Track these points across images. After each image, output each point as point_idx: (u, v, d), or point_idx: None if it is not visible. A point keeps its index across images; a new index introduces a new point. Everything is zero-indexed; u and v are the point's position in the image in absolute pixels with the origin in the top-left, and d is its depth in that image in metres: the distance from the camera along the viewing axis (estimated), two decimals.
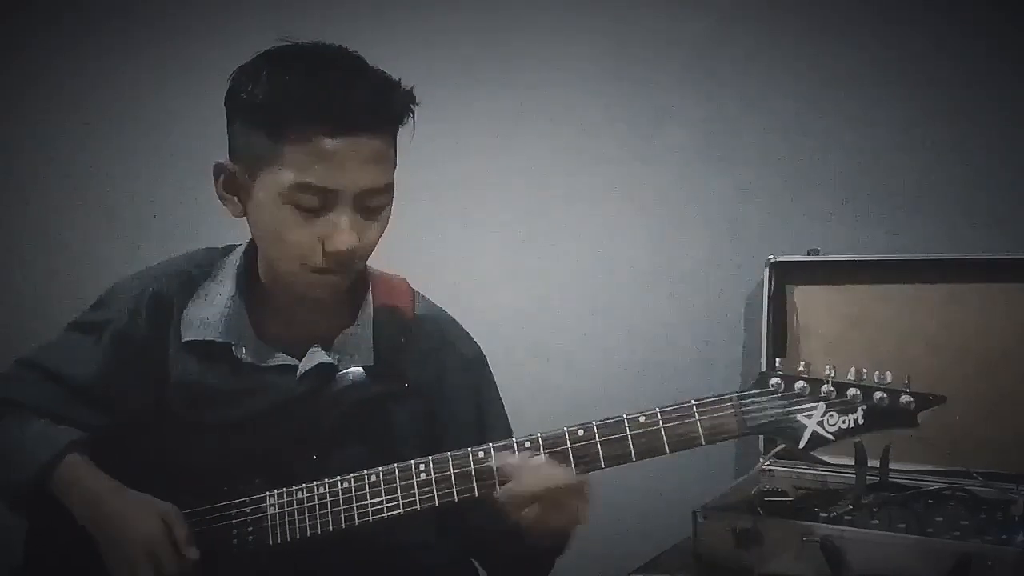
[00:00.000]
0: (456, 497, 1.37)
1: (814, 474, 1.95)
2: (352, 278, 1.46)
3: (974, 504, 1.79)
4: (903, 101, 2.13)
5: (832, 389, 1.33)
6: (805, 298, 2.12)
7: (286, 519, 1.42)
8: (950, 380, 1.84)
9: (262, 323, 1.51)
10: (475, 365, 1.59)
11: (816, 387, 1.33)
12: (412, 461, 1.39)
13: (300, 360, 1.48)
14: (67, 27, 2.65)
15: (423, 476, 1.38)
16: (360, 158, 1.36)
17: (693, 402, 1.34)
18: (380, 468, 1.39)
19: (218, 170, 1.44)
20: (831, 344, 2.07)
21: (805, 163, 2.20)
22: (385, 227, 1.43)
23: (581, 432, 1.36)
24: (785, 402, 1.34)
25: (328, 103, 1.34)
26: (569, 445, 1.35)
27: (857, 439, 1.41)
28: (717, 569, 1.67)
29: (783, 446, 1.82)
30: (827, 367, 1.34)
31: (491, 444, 1.37)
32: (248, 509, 1.44)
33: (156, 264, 1.59)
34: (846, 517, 1.72)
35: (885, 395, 1.32)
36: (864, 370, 1.34)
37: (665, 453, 1.34)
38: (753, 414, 1.34)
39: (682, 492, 1.89)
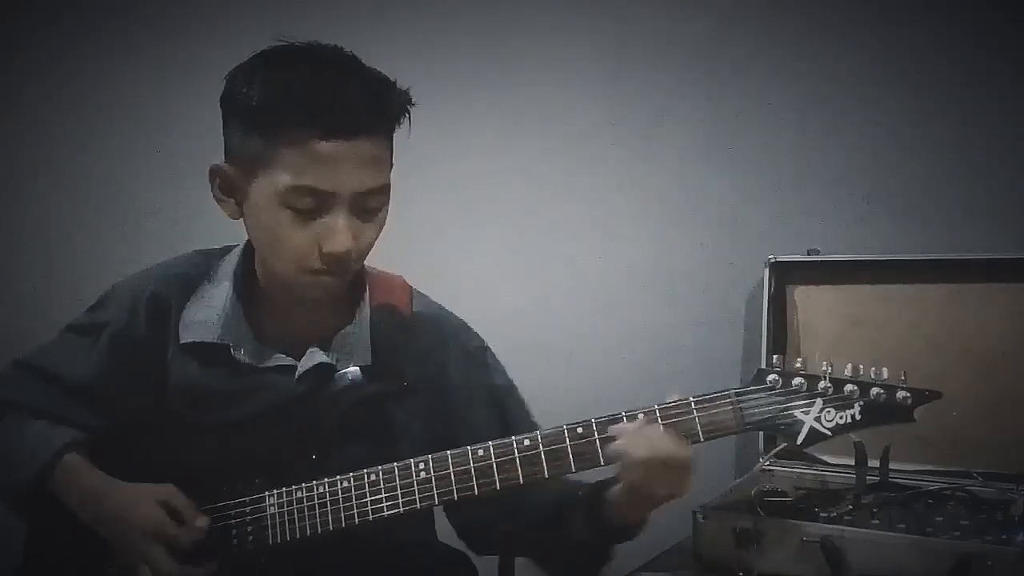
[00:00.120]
0: (456, 495, 1.37)
1: (814, 474, 1.95)
2: (349, 279, 1.46)
3: (974, 504, 1.79)
4: (903, 101, 2.13)
5: (829, 385, 1.33)
6: (805, 298, 2.12)
7: (286, 519, 1.42)
8: (950, 380, 1.84)
9: (260, 324, 1.50)
10: (478, 355, 1.58)
11: (813, 383, 1.34)
12: (411, 460, 1.39)
13: (299, 360, 1.48)
14: (67, 27, 2.65)
15: (423, 475, 1.38)
16: (356, 160, 1.35)
17: (691, 399, 1.35)
18: (380, 467, 1.39)
19: (214, 172, 1.43)
20: (831, 344, 2.06)
21: (805, 163, 2.20)
22: (382, 228, 1.43)
23: (580, 430, 1.35)
24: (783, 398, 1.34)
25: (323, 106, 1.34)
26: (569, 443, 1.35)
27: (854, 434, 1.42)
28: (717, 569, 1.67)
29: (783, 446, 1.83)
30: (824, 363, 1.34)
31: (491, 442, 1.37)
32: (248, 509, 1.44)
33: (153, 266, 1.59)
34: (846, 517, 1.72)
35: (882, 391, 1.32)
36: (861, 366, 1.34)
37: None
38: (751, 410, 1.34)
39: None
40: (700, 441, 1.34)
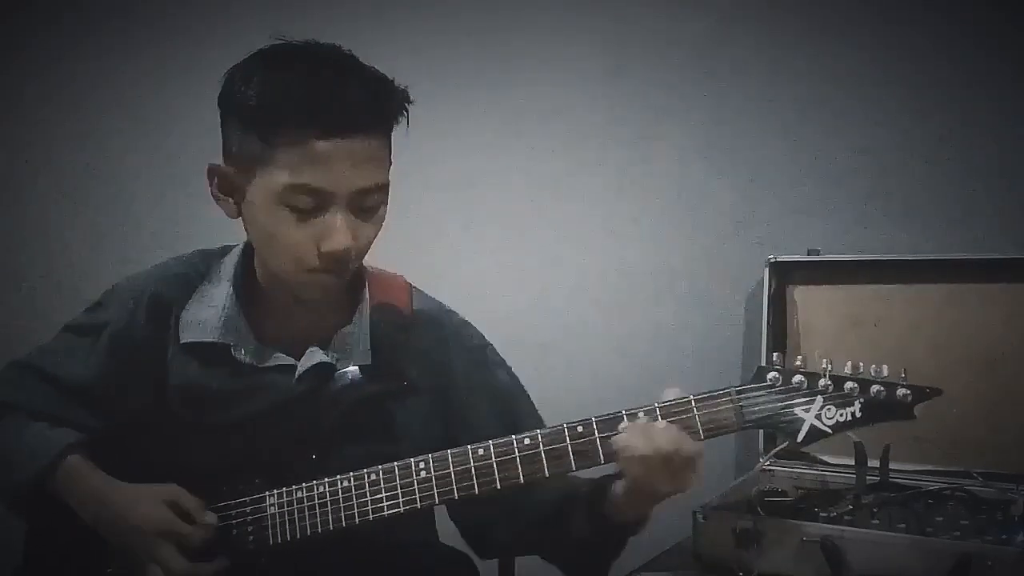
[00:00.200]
0: (456, 495, 1.37)
1: (814, 474, 1.95)
2: (348, 277, 1.46)
3: (974, 504, 1.79)
4: (903, 101, 2.13)
5: (829, 383, 1.33)
6: (805, 298, 2.12)
7: (286, 518, 1.43)
8: (950, 380, 1.82)
9: (260, 324, 1.50)
10: (479, 353, 1.57)
11: (813, 381, 1.34)
12: (412, 459, 1.39)
13: (298, 360, 1.48)
14: (67, 27, 2.65)
15: (423, 474, 1.38)
16: (354, 159, 1.35)
17: (691, 397, 1.35)
18: (380, 467, 1.39)
19: (212, 171, 1.43)
20: (831, 344, 2.06)
21: (805, 163, 2.20)
22: (380, 226, 1.43)
23: (580, 428, 1.35)
24: (783, 396, 1.34)
25: (321, 105, 1.33)
26: (569, 442, 1.35)
27: (854, 434, 1.41)
28: (717, 569, 1.67)
29: (783, 445, 1.83)
30: (824, 361, 1.34)
31: (491, 441, 1.37)
32: (248, 509, 1.44)
33: (153, 266, 1.59)
34: (846, 517, 1.72)
35: (882, 388, 1.32)
36: (861, 364, 1.34)
37: None
38: (751, 408, 1.34)
39: None
40: (700, 439, 1.34)
